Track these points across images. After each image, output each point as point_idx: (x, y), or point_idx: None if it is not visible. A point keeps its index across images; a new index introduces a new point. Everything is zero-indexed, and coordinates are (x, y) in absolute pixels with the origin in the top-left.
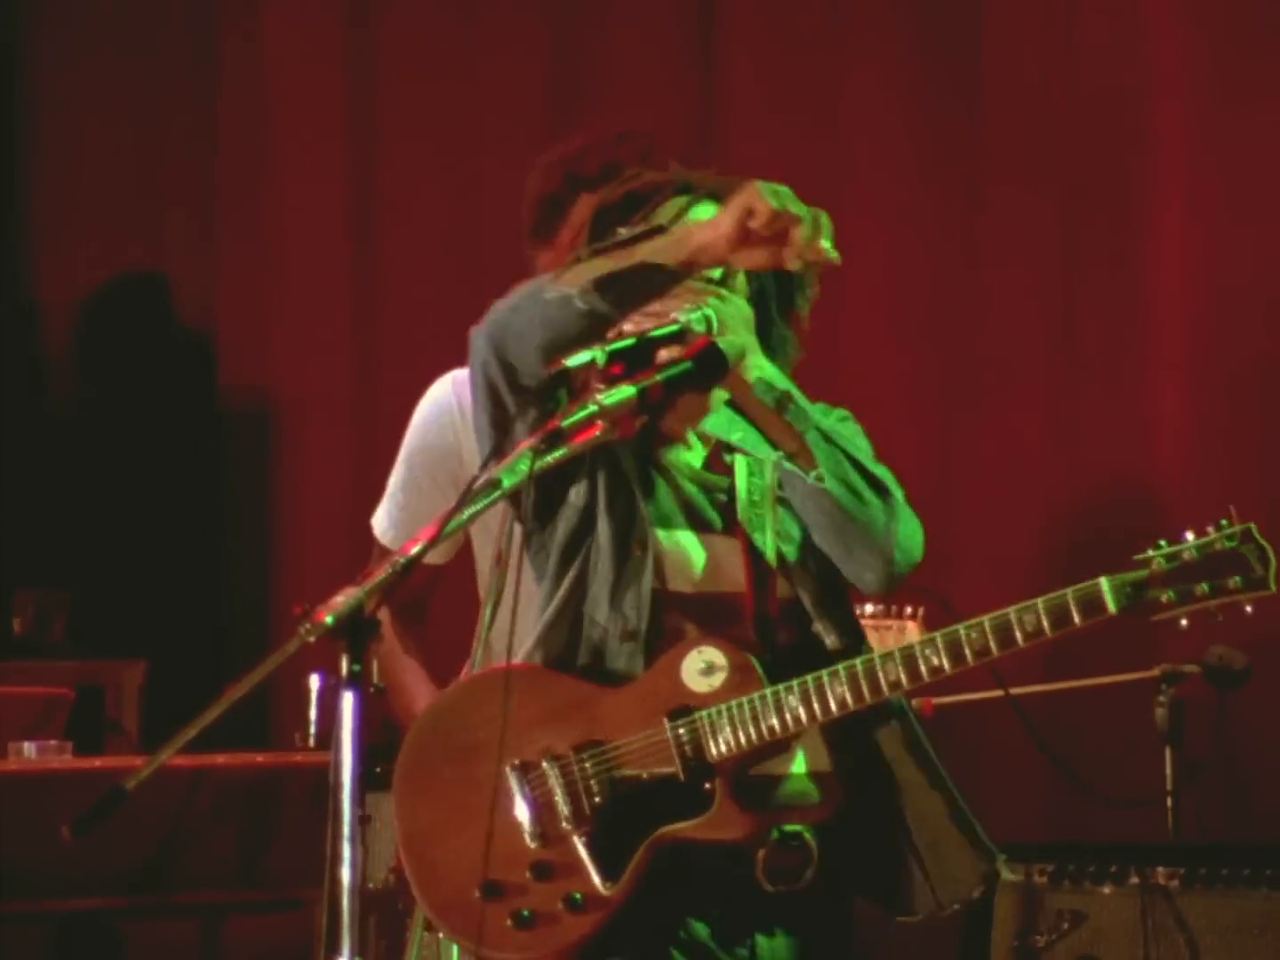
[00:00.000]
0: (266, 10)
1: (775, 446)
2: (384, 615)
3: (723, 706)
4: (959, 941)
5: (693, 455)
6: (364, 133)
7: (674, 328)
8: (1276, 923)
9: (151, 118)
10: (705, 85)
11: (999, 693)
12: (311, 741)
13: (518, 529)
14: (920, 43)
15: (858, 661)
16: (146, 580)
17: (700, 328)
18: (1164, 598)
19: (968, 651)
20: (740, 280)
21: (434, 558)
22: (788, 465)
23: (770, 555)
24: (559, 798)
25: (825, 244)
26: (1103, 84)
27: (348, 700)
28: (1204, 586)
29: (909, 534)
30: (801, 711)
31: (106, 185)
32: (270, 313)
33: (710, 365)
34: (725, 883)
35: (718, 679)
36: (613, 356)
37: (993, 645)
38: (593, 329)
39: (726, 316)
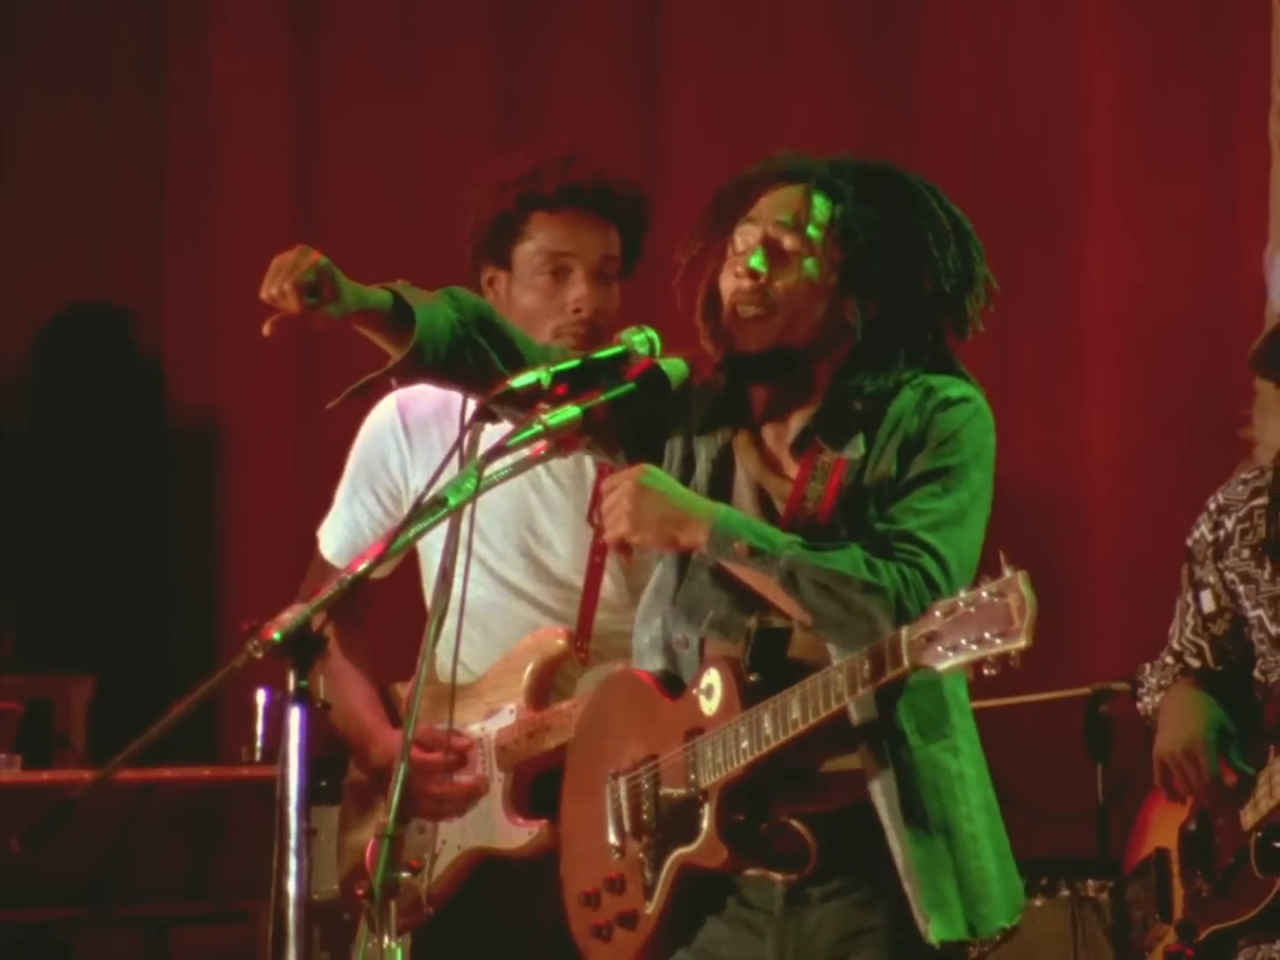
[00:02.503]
0: (213, 37)
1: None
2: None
3: (717, 731)
4: None
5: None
6: (310, 157)
7: (618, 349)
8: None
9: (99, 142)
10: (649, 102)
11: None
12: (258, 755)
13: (462, 544)
14: (859, 71)
15: (817, 676)
16: (95, 596)
17: (643, 350)
18: (940, 648)
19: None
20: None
21: (377, 573)
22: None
23: None
24: (625, 812)
25: None
26: (1037, 116)
27: (294, 715)
28: (969, 638)
29: (911, 609)
30: (769, 729)
31: (55, 205)
32: (217, 332)
33: (653, 386)
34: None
35: (715, 702)
36: (557, 377)
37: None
38: None
39: (642, 511)
